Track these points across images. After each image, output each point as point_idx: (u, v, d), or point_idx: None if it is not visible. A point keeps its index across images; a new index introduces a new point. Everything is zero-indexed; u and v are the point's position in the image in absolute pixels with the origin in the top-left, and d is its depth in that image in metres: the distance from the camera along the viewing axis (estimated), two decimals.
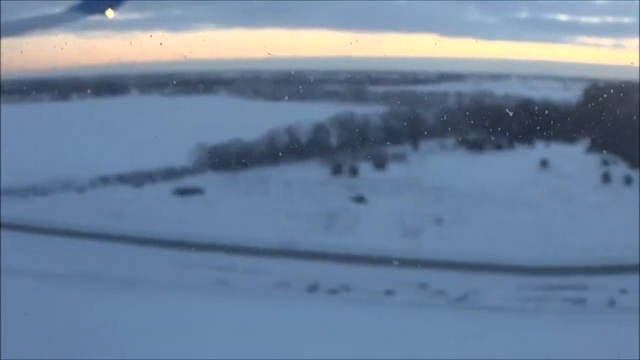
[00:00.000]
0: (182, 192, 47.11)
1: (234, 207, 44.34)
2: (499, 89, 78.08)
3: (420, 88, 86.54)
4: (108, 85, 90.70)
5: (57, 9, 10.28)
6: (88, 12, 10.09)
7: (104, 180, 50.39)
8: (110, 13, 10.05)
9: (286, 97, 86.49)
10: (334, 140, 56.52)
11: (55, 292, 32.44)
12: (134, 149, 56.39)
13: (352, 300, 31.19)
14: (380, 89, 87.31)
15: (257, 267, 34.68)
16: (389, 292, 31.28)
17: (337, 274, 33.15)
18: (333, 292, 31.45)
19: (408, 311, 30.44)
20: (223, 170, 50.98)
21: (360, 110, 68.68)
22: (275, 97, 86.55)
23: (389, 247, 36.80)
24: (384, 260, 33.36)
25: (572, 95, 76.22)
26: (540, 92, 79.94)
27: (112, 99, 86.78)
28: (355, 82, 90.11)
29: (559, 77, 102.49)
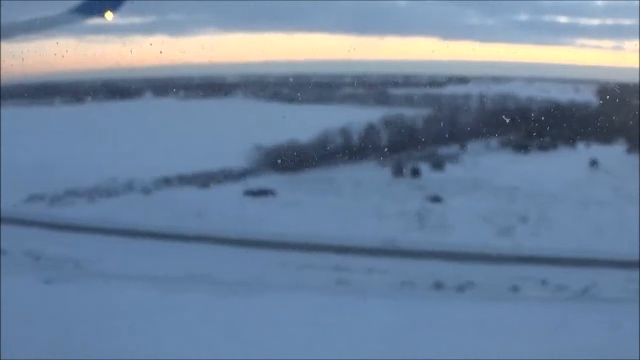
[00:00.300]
0: (254, 193, 46.89)
1: (313, 208, 44.40)
2: (521, 92, 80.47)
3: (438, 91, 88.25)
4: (118, 89, 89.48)
5: (57, 11, 10.36)
6: (87, 14, 10.15)
7: (166, 182, 49.74)
8: (109, 15, 10.13)
9: (306, 100, 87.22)
10: (385, 141, 57.19)
11: (172, 297, 32.07)
12: (187, 151, 55.94)
13: (480, 297, 31.82)
14: (400, 91, 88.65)
15: (372, 266, 34.92)
16: (514, 288, 32.05)
17: (456, 272, 33.74)
18: (460, 289, 32.03)
19: (535, 306, 31.34)
20: (284, 171, 50.98)
21: (386, 112, 69.80)
22: (295, 100, 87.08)
23: (488, 244, 37.67)
24: (502, 258, 34.22)
25: (587, 97, 79.24)
26: (557, 95, 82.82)
27: (127, 102, 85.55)
28: (372, 85, 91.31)
29: (562, 79, 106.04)
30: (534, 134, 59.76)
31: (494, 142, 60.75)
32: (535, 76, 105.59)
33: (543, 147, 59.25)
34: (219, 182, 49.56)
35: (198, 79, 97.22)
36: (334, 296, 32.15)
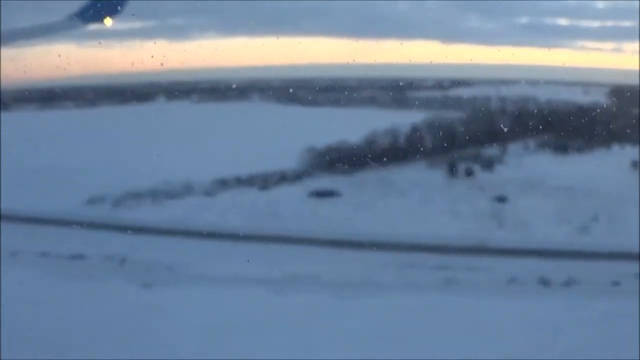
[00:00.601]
0: (319, 194, 46.86)
1: (383, 209, 44.67)
2: (539, 94, 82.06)
3: (456, 93, 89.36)
4: (130, 93, 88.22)
5: (57, 18, 10.61)
6: (87, 21, 10.35)
7: (224, 183, 49.25)
8: (108, 22, 10.36)
9: (325, 103, 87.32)
10: (428, 143, 57.79)
11: (281, 298, 31.90)
12: (234, 153, 55.53)
13: (585, 292, 32.60)
14: (418, 94, 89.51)
15: (471, 265, 35.37)
16: (615, 283, 32.95)
17: (557, 269, 34.46)
18: (566, 285, 32.76)
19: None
20: (339, 173, 51.01)
21: (413, 115, 70.51)
22: (315, 103, 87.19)
23: (573, 242, 38.60)
24: (597, 255, 35.11)
25: (602, 98, 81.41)
26: (573, 97, 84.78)
27: (142, 106, 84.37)
28: (388, 89, 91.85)
29: (568, 81, 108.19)
30: (567, 135, 61.22)
31: (530, 143, 61.98)
32: (539, 79, 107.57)
33: (579, 149, 60.71)
34: (277, 184, 49.35)
35: (205, 83, 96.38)
36: (445, 295, 32.51)
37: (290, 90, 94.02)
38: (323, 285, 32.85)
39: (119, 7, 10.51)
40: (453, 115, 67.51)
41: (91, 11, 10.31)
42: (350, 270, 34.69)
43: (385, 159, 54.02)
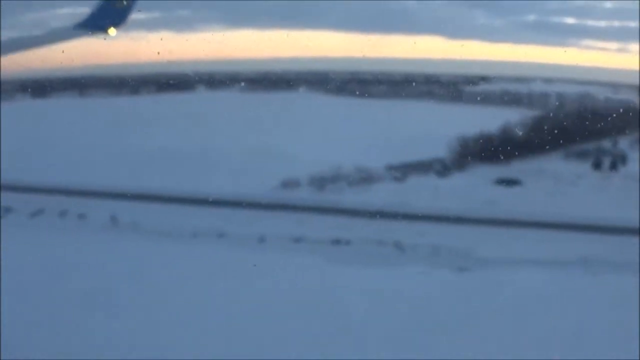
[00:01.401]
0: (503, 182, 47.29)
1: (577, 195, 45.80)
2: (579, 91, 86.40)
3: (514, 87, 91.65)
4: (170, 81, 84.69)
5: (61, 26, 10.99)
6: (91, 29, 10.51)
7: (392, 169, 48.44)
8: (112, 32, 10.50)
9: (375, 95, 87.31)
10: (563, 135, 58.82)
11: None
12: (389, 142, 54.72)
13: None
14: (473, 89, 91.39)
15: None
16: None
17: None
18: None
19: None
20: (491, 162, 51.40)
21: (481, 110, 72.96)
22: (363, 95, 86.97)
23: None
24: None
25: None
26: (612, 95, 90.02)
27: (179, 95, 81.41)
28: (447, 83, 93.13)
29: (581, 81, 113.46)
30: None
31: (626, 139, 65.52)
32: (551, 77, 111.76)
33: None
34: (449, 172, 49.17)
35: (244, 75, 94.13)
36: None
37: (332, 83, 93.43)
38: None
39: (123, 17, 10.56)
40: (540, 111, 69.96)
41: (96, 21, 10.39)
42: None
43: (522, 150, 55.11)
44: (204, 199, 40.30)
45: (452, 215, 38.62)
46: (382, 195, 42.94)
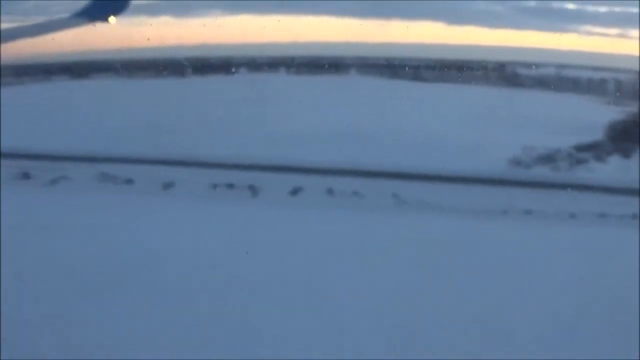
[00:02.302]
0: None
1: None
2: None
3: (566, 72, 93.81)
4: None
5: (60, 15, 10.86)
6: (91, 18, 10.48)
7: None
8: (112, 20, 10.47)
9: (429, 79, 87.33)
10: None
11: None
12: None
13: None
14: (525, 72, 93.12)
15: None
16: None
17: None
18: None
19: None
20: None
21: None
22: (418, 79, 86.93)
23: None
24: None
25: None
26: None
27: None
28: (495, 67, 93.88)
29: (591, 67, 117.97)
30: None
31: None
32: (564, 63, 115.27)
33: None
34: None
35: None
36: None
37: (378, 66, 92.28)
38: None
39: (123, 5, 10.57)
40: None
41: (95, 10, 10.37)
42: None
43: None
44: None
45: None
46: None
